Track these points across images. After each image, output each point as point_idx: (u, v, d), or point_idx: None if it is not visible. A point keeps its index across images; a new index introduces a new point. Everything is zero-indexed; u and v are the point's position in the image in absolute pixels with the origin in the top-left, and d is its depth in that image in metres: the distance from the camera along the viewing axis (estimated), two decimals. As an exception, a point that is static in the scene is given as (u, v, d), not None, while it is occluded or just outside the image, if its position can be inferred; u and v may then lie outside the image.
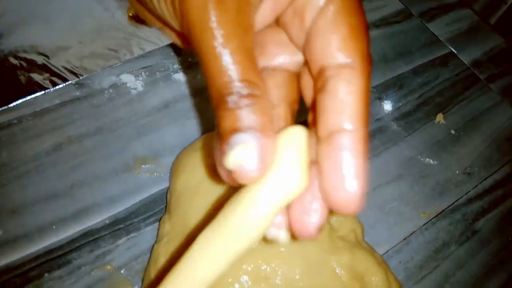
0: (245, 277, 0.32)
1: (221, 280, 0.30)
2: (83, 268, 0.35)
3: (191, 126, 0.44)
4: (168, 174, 0.41)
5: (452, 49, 0.59)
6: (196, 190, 0.37)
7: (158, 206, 0.40)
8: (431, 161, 0.48)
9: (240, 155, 0.16)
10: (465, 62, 0.58)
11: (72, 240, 0.36)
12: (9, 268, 0.34)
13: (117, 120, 0.43)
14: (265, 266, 0.32)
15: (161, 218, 0.38)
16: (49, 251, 0.36)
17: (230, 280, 0.32)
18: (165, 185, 0.41)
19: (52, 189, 0.38)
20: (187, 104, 0.46)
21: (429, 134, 0.50)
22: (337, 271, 0.33)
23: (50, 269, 0.35)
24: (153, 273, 0.33)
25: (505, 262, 0.43)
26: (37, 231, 0.36)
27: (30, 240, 0.36)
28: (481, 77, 0.57)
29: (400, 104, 0.52)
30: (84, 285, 0.35)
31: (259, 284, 0.31)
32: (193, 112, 0.46)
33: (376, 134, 0.49)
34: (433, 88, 0.55)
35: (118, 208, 0.39)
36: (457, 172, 0.48)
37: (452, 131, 0.51)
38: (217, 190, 0.36)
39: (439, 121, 0.51)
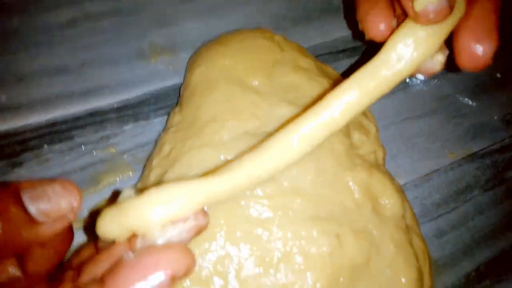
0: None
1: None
2: (85, 146, 0.34)
3: (215, 24, 0.41)
4: (185, 69, 0.38)
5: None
6: (212, 84, 0.34)
7: (171, 100, 0.37)
8: (470, 102, 0.44)
9: None
10: (527, 5, 0.52)
11: (77, 118, 0.35)
12: (9, 134, 0.33)
13: (138, 5, 0.40)
14: (274, 168, 0.30)
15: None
16: (52, 124, 0.34)
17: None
18: (179, 79, 0.38)
19: (62, 64, 0.36)
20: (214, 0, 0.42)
21: (473, 73, 0.46)
22: (351, 186, 0.31)
23: (51, 142, 0.33)
24: (156, 160, 0.32)
25: (529, 217, 0.40)
26: (41, 102, 0.35)
27: (33, 111, 0.34)
28: (541, 23, 0.51)
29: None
30: (84, 163, 0.33)
31: (264, 185, 0.29)
32: (219, 9, 0.42)
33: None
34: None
35: (129, 95, 0.37)
36: (495, 117, 0.44)
37: (498, 75, 0.46)
38: (233, 86, 0.33)
39: (486, 62, 0.47)
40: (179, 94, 0.36)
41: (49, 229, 0.18)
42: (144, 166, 0.33)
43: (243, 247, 0.27)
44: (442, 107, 0.43)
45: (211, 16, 0.41)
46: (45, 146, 0.33)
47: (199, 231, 0.19)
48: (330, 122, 0.20)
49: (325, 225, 0.28)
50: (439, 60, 0.22)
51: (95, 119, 0.35)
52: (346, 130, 0.33)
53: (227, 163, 0.20)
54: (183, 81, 0.37)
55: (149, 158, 0.33)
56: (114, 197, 0.19)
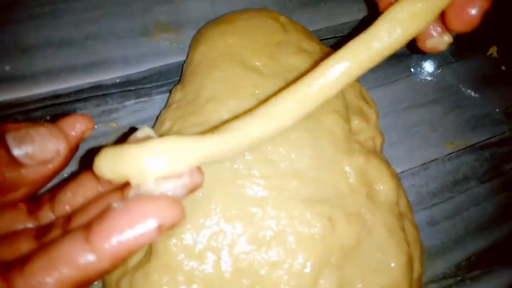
0: (248, 157, 0.30)
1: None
2: (86, 120, 0.34)
3: (220, 3, 0.41)
4: (188, 47, 0.38)
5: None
6: (214, 63, 0.34)
7: (173, 77, 0.37)
8: (472, 93, 0.44)
9: None
10: (538, -2, 0.51)
11: (80, 91, 0.35)
12: (12, 104, 0.33)
13: (144, -20, 0.40)
14: (271, 150, 0.30)
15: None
16: (55, 96, 0.34)
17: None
18: (183, 57, 0.38)
19: (66, 36, 0.36)
20: (222, -22, 0.42)
21: (477, 65, 0.45)
22: (347, 171, 0.31)
23: (54, 113, 0.34)
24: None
25: (524, 210, 0.41)
26: (45, 74, 0.35)
27: (37, 82, 0.34)
28: (551, 17, 0.50)
29: (453, 27, 0.46)
30: (85, 136, 0.34)
31: (261, 165, 0.30)
32: (227, -12, 0.42)
33: (418, 53, 0.44)
34: (494, 20, 0.49)
35: (131, 70, 0.37)
36: (497, 110, 0.44)
37: (503, 67, 0.46)
38: (235, 66, 0.33)
39: (492, 53, 0.46)
40: (182, 71, 0.37)
41: (34, 173, 0.18)
42: (144, 141, 0.33)
43: (237, 224, 0.27)
44: (444, 97, 0.43)
45: (217, -5, 0.41)
46: (48, 117, 0.34)
47: (194, 188, 0.18)
48: (323, 89, 0.21)
49: (318, 207, 0.29)
50: (445, 40, 0.22)
51: (98, 93, 0.35)
52: (346, 116, 0.34)
53: (224, 123, 0.20)
54: (186, 58, 0.37)
55: (149, 134, 0.33)
56: (131, 133, 0.19)
